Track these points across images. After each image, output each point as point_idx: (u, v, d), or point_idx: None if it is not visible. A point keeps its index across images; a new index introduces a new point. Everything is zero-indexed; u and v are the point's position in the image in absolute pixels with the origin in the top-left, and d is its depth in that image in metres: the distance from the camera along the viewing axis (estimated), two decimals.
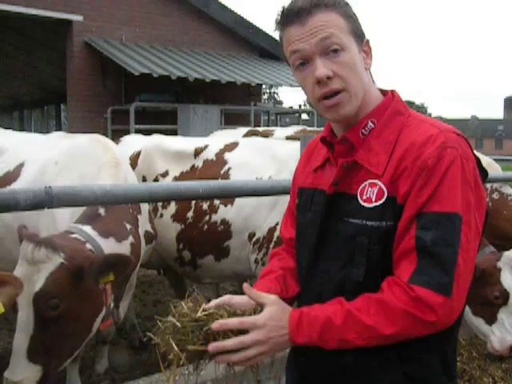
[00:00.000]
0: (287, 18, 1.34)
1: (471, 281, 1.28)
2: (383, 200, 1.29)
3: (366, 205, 1.31)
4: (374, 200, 1.31)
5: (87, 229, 2.49)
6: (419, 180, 1.25)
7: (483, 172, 1.37)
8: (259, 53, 13.16)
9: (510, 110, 69.47)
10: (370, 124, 1.38)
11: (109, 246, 2.51)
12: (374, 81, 1.44)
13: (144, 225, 3.16)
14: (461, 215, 1.22)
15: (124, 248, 2.66)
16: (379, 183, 1.31)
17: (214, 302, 1.35)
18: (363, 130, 1.38)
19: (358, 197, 1.34)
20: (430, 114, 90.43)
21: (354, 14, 1.38)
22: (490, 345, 3.18)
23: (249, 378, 1.37)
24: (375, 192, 1.31)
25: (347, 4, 1.38)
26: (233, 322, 1.25)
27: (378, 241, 1.29)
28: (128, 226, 2.81)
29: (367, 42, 1.39)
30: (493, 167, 4.35)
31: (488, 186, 4.22)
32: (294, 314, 1.28)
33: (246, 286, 1.32)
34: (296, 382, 1.50)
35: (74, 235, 2.42)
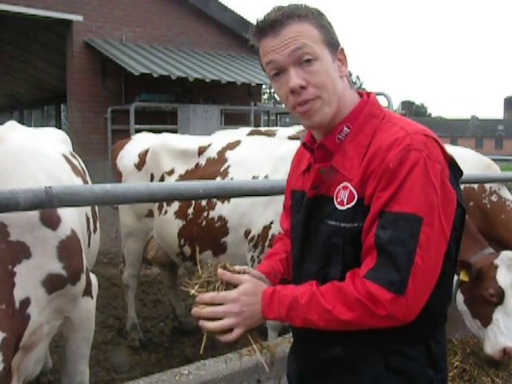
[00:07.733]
0: (262, 30, 1.40)
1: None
2: (354, 202, 1.37)
3: (340, 207, 1.39)
4: (345, 202, 1.38)
5: None
6: (381, 182, 1.30)
7: (458, 171, 1.43)
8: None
9: (510, 110, 69.38)
10: (346, 129, 1.43)
11: None
12: (352, 85, 1.49)
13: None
14: (421, 216, 1.27)
15: None
16: (350, 186, 1.38)
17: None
18: (339, 135, 1.44)
19: (334, 199, 1.40)
20: (430, 114, 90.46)
21: (329, 24, 1.43)
22: (484, 349, 3.10)
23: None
24: (347, 195, 1.38)
25: (321, 14, 1.42)
26: (207, 295, 1.38)
27: (351, 241, 1.36)
28: None
29: (342, 50, 1.44)
30: (492, 168, 4.33)
31: (487, 187, 4.18)
32: (267, 291, 1.38)
33: (220, 271, 1.42)
34: (295, 374, 1.59)
35: None
